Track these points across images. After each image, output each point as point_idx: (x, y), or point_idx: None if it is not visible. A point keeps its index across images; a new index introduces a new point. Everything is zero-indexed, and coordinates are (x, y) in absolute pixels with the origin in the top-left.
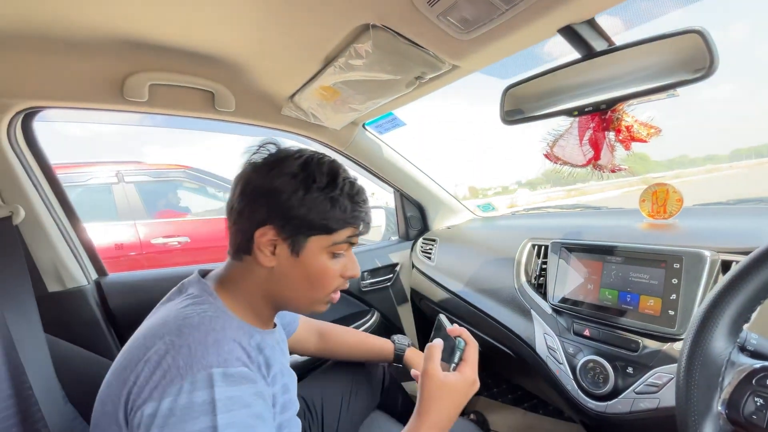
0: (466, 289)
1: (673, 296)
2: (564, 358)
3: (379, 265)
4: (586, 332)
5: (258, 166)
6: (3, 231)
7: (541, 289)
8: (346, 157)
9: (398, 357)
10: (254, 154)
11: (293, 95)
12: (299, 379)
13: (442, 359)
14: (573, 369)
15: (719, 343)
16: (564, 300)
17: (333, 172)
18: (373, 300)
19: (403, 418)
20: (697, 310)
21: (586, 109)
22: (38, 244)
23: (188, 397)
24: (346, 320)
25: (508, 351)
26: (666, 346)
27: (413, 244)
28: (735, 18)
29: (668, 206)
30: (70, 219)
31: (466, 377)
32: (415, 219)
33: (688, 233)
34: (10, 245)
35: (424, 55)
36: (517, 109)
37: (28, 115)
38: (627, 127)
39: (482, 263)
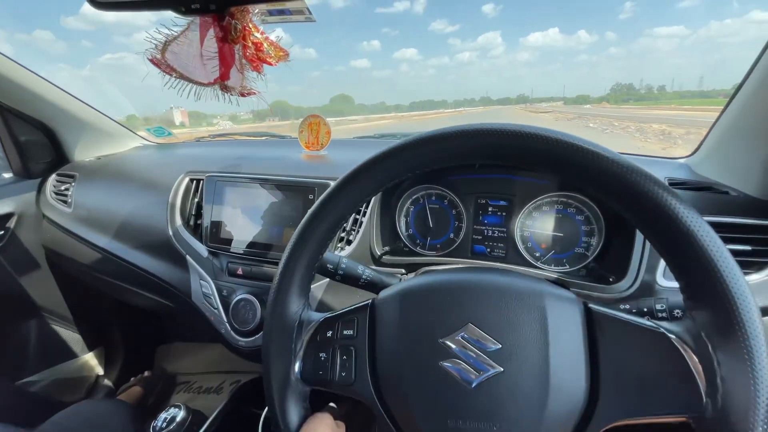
0: (116, 241)
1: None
2: (219, 302)
3: None
4: (239, 271)
5: None
6: None
7: (198, 230)
8: None
9: None
10: None
11: None
12: None
13: None
14: (227, 310)
15: (293, 305)
16: (220, 240)
17: None
18: None
19: None
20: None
21: (193, 6)
22: None
23: None
24: None
25: (169, 303)
26: None
27: (40, 184)
28: None
29: (320, 138)
30: None
31: None
32: (37, 146)
33: (335, 164)
34: None
35: None
36: None
37: None
38: (256, 44)
39: (134, 206)
